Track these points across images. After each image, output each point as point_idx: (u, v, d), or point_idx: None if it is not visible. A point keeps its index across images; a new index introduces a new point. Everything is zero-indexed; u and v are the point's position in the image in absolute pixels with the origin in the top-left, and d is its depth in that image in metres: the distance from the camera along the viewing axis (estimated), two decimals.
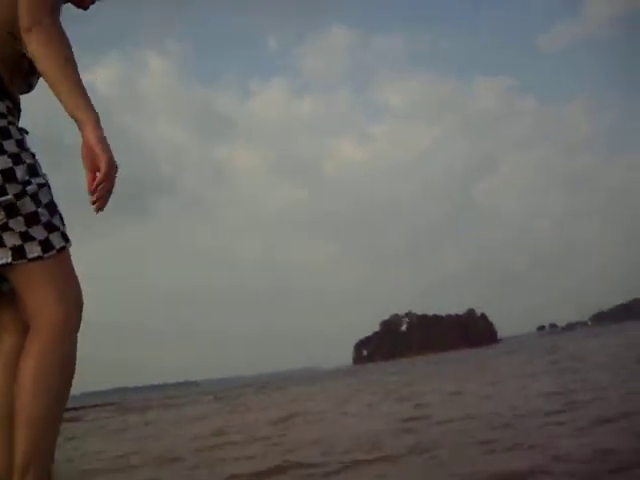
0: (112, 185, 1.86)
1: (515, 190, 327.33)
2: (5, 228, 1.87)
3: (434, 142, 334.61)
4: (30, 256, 1.88)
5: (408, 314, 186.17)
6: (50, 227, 1.92)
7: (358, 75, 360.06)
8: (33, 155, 2.00)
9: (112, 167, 1.84)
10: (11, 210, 1.86)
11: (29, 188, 1.89)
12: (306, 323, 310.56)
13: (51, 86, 1.87)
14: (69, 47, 1.91)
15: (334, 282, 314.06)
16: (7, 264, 1.88)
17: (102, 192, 1.84)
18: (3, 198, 1.85)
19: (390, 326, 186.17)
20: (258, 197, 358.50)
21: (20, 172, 1.89)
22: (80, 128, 1.84)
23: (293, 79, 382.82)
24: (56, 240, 1.93)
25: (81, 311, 1.97)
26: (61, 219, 1.99)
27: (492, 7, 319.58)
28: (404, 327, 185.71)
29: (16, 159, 1.90)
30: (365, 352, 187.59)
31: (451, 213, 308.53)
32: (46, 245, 1.91)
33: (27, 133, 2.10)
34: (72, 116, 1.85)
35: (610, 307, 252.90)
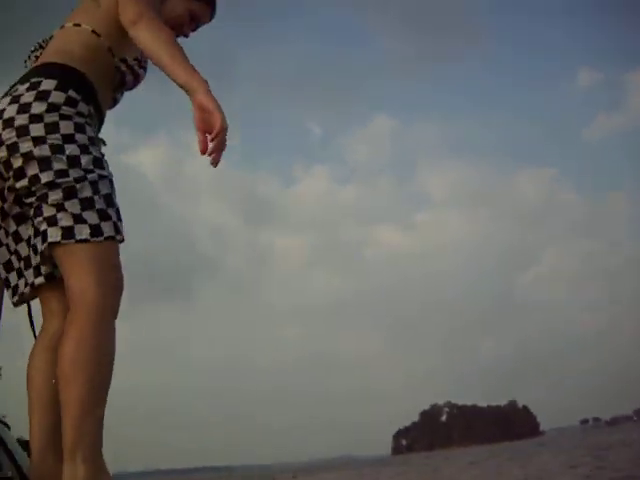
0: (225, 141, 1.98)
1: (557, 282, 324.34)
2: (61, 208, 1.97)
3: (476, 232, 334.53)
4: (78, 237, 1.97)
5: (447, 404, 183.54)
6: (103, 215, 2.02)
7: (399, 163, 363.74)
8: (102, 154, 2.14)
9: (225, 123, 1.95)
10: (69, 192, 1.98)
11: (90, 176, 2.01)
12: (345, 412, 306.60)
13: (161, 61, 2.04)
14: (172, 32, 2.12)
15: (374, 371, 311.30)
16: (56, 242, 1.97)
17: (216, 145, 1.97)
18: (64, 179, 1.97)
19: (430, 416, 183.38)
20: (300, 283, 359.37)
21: (85, 160, 2.02)
22: (191, 95, 1.98)
23: (336, 167, 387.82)
24: (107, 228, 2.02)
25: (119, 296, 2.07)
26: (117, 213, 2.09)
27: (532, 96, 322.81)
28: (444, 417, 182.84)
29: (84, 149, 2.04)
30: (404, 442, 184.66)
31: (494, 303, 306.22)
32: (95, 230, 1.99)
33: (105, 144, 2.28)
34: (184, 86, 1.99)
35: None
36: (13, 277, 2.16)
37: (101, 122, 2.27)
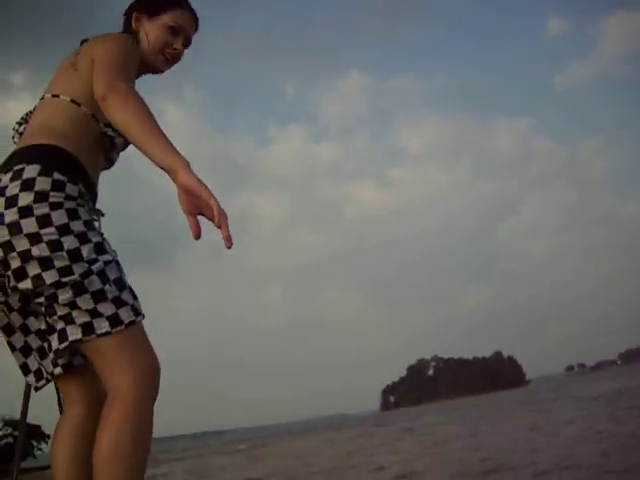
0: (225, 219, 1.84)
1: (537, 230, 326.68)
2: (74, 306, 1.92)
3: (453, 183, 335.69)
4: (99, 332, 1.92)
5: (434, 358, 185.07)
6: (118, 302, 1.97)
7: (375, 119, 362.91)
8: (101, 235, 2.07)
9: (219, 203, 1.82)
10: (79, 289, 1.92)
11: (95, 266, 1.94)
12: (333, 370, 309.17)
13: (137, 144, 1.90)
14: (145, 105, 1.97)
15: (359, 327, 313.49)
16: (77, 340, 1.92)
17: (226, 223, 1.82)
18: (69, 278, 1.90)
19: (417, 371, 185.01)
20: (280, 243, 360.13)
21: (86, 251, 1.94)
22: (172, 175, 1.84)
23: (310, 125, 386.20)
24: (125, 315, 1.96)
25: (155, 381, 2.02)
26: (132, 293, 2.03)
27: (504, 46, 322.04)
28: (431, 372, 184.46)
29: (83, 238, 1.95)
30: (392, 398, 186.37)
31: (475, 254, 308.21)
32: (114, 320, 1.94)
33: (103, 215, 2.26)
34: (163, 166, 1.85)
35: (638, 345, 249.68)
36: (32, 362, 2.16)
37: (95, 195, 2.19)
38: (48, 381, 2.17)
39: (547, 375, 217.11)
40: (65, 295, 1.92)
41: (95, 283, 1.94)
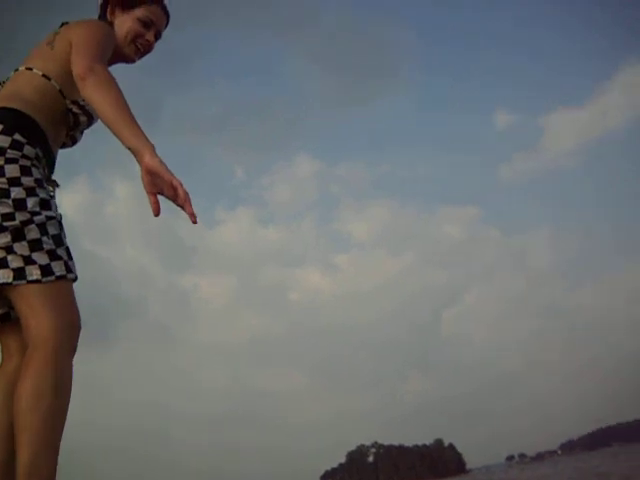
0: (188, 197, 2.00)
1: (482, 318, 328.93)
2: (10, 251, 2.02)
3: (399, 271, 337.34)
4: (29, 278, 2.01)
5: (374, 445, 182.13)
6: (53, 255, 2.06)
7: (322, 205, 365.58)
8: (50, 195, 2.19)
9: (180, 181, 2.00)
10: (17, 235, 2.02)
11: (37, 218, 2.06)
12: (270, 454, 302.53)
13: (109, 124, 2.05)
14: (119, 88, 2.12)
15: (299, 411, 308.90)
16: (7, 283, 2.01)
17: (189, 202, 1.99)
18: (10, 223, 2.02)
19: (356, 457, 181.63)
20: (222, 326, 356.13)
21: (31, 202, 2.06)
22: (138, 157, 2.00)
23: (259, 208, 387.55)
24: (57, 268, 2.06)
25: (76, 333, 2.07)
26: (68, 252, 2.13)
27: (451, 136, 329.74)
28: (371, 458, 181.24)
29: (30, 192, 2.08)
30: None
31: (418, 342, 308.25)
32: (46, 270, 2.03)
33: (58, 186, 2.34)
34: (130, 146, 2.01)
35: (580, 435, 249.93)
36: None
37: (52, 164, 2.35)
38: None
39: (488, 464, 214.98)
40: (3, 239, 2.02)
41: (34, 232, 2.04)
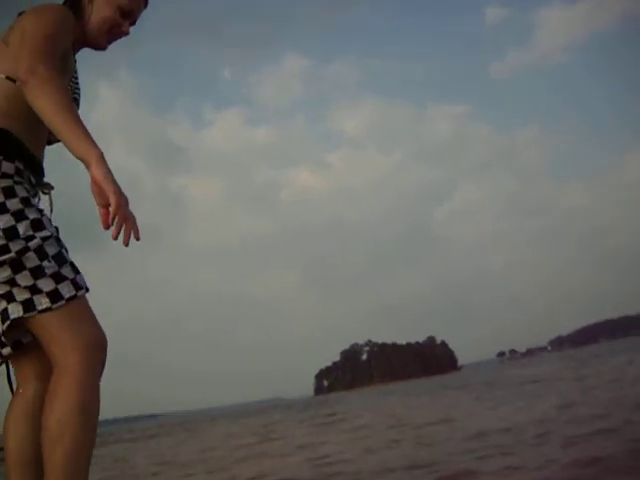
0: (127, 214, 1.89)
1: (472, 216, 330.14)
2: (14, 284, 1.94)
3: (390, 168, 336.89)
4: (39, 308, 1.94)
5: (368, 343, 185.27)
6: (58, 277, 1.98)
7: (312, 103, 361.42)
8: (40, 211, 2.06)
9: (120, 197, 1.86)
10: (16, 266, 1.94)
11: (32, 243, 1.95)
12: (266, 354, 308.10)
13: (54, 131, 1.93)
14: (64, 91, 1.97)
15: (292, 311, 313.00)
16: (19, 317, 1.94)
17: (119, 224, 1.87)
18: (6, 256, 1.92)
19: (350, 355, 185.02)
20: (215, 226, 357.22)
21: (22, 228, 1.95)
22: (86, 166, 1.88)
23: (248, 108, 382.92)
24: (65, 289, 1.97)
25: (101, 354, 2.02)
26: (73, 268, 2.03)
27: (442, 32, 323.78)
28: (364, 356, 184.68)
29: (19, 216, 1.96)
30: (326, 382, 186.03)
31: (409, 240, 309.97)
32: (54, 296, 1.96)
33: (52, 188, 2.21)
34: (78, 156, 1.89)
35: (569, 332, 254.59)
36: None
37: (39, 169, 2.19)
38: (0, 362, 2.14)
39: (479, 361, 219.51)
40: (4, 274, 1.94)
41: (32, 260, 1.95)
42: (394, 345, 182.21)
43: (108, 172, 1.87)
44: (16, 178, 2.01)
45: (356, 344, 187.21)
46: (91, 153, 1.87)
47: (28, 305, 1.94)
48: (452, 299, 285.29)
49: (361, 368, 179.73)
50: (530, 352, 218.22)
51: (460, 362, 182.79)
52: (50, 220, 2.08)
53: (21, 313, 1.93)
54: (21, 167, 2.04)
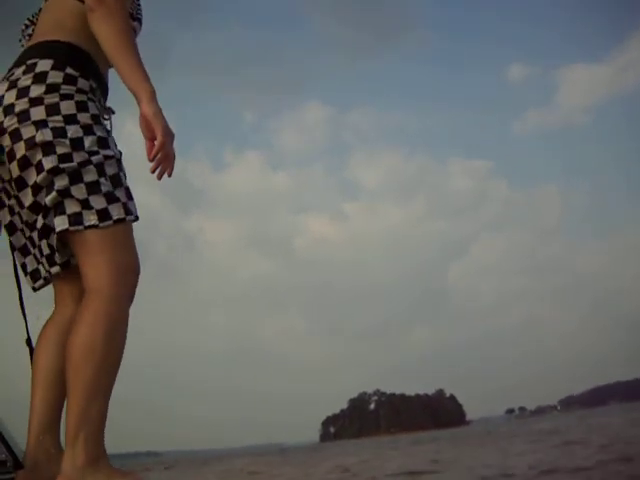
0: (169, 152, 1.99)
1: (487, 273, 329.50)
2: (67, 194, 1.94)
3: (407, 221, 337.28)
4: (86, 224, 1.95)
5: (376, 392, 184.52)
6: (111, 198, 1.99)
7: (332, 152, 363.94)
8: (108, 131, 2.11)
9: (167, 135, 1.96)
10: (74, 177, 1.95)
11: (95, 158, 1.97)
12: (273, 399, 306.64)
13: (111, 60, 2.01)
14: (128, 24, 2.04)
15: (303, 359, 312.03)
16: (65, 230, 1.95)
17: (160, 160, 1.96)
18: (68, 164, 1.94)
19: (358, 404, 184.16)
20: (228, 270, 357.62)
21: (89, 142, 1.98)
22: (137, 100, 1.96)
23: (268, 153, 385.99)
24: (115, 211, 1.99)
25: (134, 280, 2.05)
26: (127, 192, 2.05)
27: (465, 87, 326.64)
28: (372, 405, 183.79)
29: (87, 130, 1.99)
30: (332, 429, 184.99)
31: (423, 293, 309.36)
32: (103, 214, 1.97)
33: (114, 113, 2.22)
34: (130, 88, 1.97)
35: (579, 392, 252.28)
36: (30, 262, 2.16)
37: (106, 91, 2.24)
38: (46, 281, 2.16)
39: (488, 416, 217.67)
40: (61, 182, 1.94)
41: (91, 174, 1.97)
42: (402, 396, 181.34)
43: (158, 109, 1.97)
44: (90, 95, 2.07)
45: (364, 393, 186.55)
46: (144, 88, 1.97)
47: (76, 219, 1.95)
48: (462, 353, 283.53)
49: (368, 417, 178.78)
50: (540, 410, 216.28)
51: (468, 417, 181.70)
52: (115, 143, 2.12)
53: (66, 225, 1.95)
54: (94, 86, 2.11)
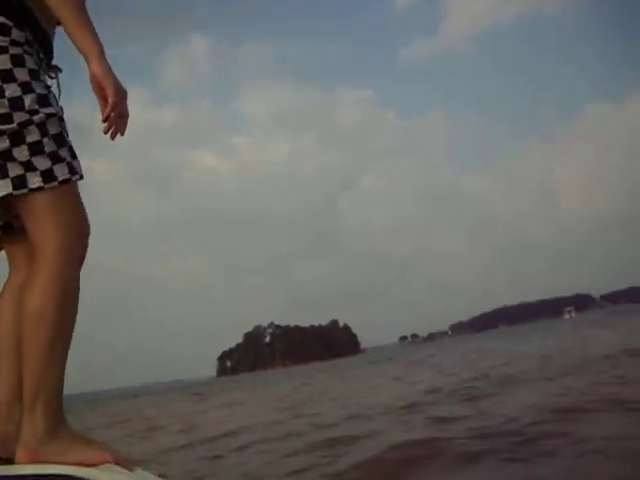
0: (123, 111, 1.93)
1: (376, 204, 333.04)
2: (9, 157, 1.83)
3: (296, 153, 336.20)
4: (31, 186, 1.85)
5: (271, 325, 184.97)
6: (55, 158, 1.88)
7: (220, 86, 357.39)
8: (48, 87, 1.95)
9: (118, 95, 1.90)
10: (16, 138, 1.84)
11: (36, 117, 1.86)
12: (169, 335, 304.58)
13: (59, 19, 1.91)
14: None
15: (195, 293, 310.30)
16: (8, 194, 1.85)
17: (113, 120, 1.90)
18: (8, 126, 1.82)
19: (253, 338, 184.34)
20: (117, 208, 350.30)
21: (28, 101, 1.85)
22: (86, 60, 1.88)
23: (152, 88, 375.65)
24: (60, 171, 1.88)
25: (83, 242, 1.95)
26: (70, 151, 1.92)
27: (353, 17, 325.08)
28: (267, 339, 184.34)
29: (26, 88, 1.86)
30: (229, 364, 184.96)
31: (314, 225, 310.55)
32: (48, 176, 1.86)
33: (60, 71, 2.08)
34: (77, 48, 1.89)
35: (468, 318, 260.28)
36: None
37: (49, 47, 2.10)
38: None
39: (381, 344, 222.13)
40: (1, 145, 1.83)
41: (33, 134, 1.86)
42: (297, 328, 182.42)
43: (107, 68, 1.88)
44: (26, 47, 1.90)
45: (259, 326, 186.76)
46: (93, 47, 1.87)
47: (20, 182, 1.83)
48: (355, 284, 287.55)
49: (264, 350, 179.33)
50: (431, 336, 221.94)
51: (363, 345, 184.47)
52: (57, 99, 1.97)
53: (10, 189, 1.83)
54: (31, 38, 1.93)
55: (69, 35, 1.88)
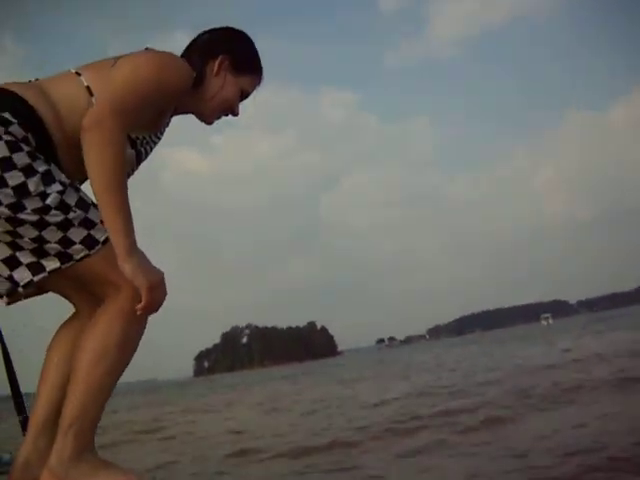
0: (159, 299, 1.91)
1: (358, 206, 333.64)
2: (43, 241, 1.83)
3: (277, 154, 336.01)
4: (77, 257, 1.86)
5: (248, 326, 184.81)
6: (88, 224, 1.87)
7: None
8: (49, 163, 1.86)
9: (152, 290, 1.86)
10: (40, 224, 1.81)
11: (50, 200, 1.82)
12: (148, 335, 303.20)
13: (94, 192, 1.85)
14: (120, 159, 1.86)
15: (172, 293, 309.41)
16: (57, 269, 1.86)
17: (148, 307, 1.88)
18: (29, 217, 1.80)
19: (231, 338, 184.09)
20: None
21: (33, 185, 1.80)
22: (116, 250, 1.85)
23: None
24: (99, 233, 1.87)
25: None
26: (95, 209, 1.88)
27: (337, 18, 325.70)
28: (245, 339, 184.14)
29: (28, 171, 1.80)
30: (206, 364, 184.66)
31: (295, 225, 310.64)
32: (89, 242, 1.87)
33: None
34: (109, 237, 1.85)
35: (446, 322, 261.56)
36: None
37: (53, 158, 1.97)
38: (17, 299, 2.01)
39: (359, 347, 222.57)
40: (30, 234, 1.82)
41: (56, 216, 1.82)
42: (274, 329, 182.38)
43: (137, 265, 1.83)
44: (21, 144, 1.81)
45: (237, 327, 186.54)
46: (119, 243, 1.83)
47: (64, 257, 1.84)
48: (333, 286, 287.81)
49: (241, 351, 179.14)
50: (409, 340, 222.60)
51: (340, 348, 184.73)
52: (58, 171, 1.87)
53: (58, 264, 1.84)
54: (33, 142, 1.85)
55: (101, 209, 1.83)
